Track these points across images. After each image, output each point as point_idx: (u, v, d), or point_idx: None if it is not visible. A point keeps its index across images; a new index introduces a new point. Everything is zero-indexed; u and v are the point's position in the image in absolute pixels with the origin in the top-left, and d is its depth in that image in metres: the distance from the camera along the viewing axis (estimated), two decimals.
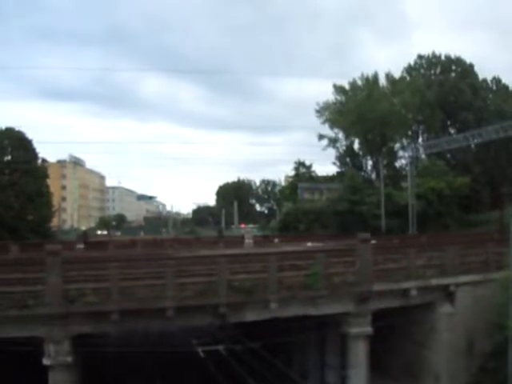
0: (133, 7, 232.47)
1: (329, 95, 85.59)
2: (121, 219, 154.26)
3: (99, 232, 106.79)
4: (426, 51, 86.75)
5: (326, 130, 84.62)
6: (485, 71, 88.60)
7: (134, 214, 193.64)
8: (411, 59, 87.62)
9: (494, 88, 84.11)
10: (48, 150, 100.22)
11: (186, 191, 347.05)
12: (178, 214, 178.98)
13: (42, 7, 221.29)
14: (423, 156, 77.31)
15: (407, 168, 70.85)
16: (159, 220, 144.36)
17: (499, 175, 73.57)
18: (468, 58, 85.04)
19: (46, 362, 18.65)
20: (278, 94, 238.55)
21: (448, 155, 78.83)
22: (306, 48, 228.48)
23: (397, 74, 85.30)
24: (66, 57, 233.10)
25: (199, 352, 19.03)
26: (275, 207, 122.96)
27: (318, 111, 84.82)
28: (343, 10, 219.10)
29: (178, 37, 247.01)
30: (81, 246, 44.08)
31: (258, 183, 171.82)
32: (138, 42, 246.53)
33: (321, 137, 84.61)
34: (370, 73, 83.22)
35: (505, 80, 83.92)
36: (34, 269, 20.42)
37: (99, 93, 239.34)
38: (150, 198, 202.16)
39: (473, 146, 70.15)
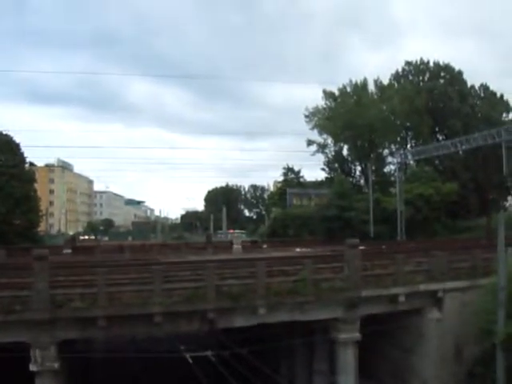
0: (121, 11, 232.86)
1: (318, 100, 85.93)
2: (109, 224, 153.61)
3: (83, 237, 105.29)
4: (415, 57, 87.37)
5: (315, 136, 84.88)
6: (473, 78, 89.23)
7: (122, 218, 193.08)
8: (400, 65, 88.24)
9: (482, 95, 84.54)
10: (35, 154, 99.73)
11: (174, 196, 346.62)
12: (166, 219, 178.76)
13: (28, 9, 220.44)
14: (411, 162, 77.64)
15: (396, 174, 71.12)
16: (147, 225, 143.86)
17: (487, 182, 73.90)
18: (457, 65, 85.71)
19: (32, 367, 18.49)
20: (267, 99, 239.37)
21: (436, 161, 79.14)
22: (295, 53, 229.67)
23: (387, 80, 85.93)
24: (52, 60, 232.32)
25: (187, 358, 18.87)
26: (264, 213, 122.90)
27: (307, 116, 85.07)
28: (333, 16, 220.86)
29: (166, 41, 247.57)
30: (68, 250, 43.81)
31: (246, 188, 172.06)
32: (126, 46, 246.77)
33: (310, 142, 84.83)
34: (359, 79, 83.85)
35: (492, 87, 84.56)
36: (20, 274, 20.29)
37: (86, 96, 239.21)
38: (138, 202, 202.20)
39: (461, 152, 70.39)
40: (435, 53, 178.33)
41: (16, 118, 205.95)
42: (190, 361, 18.53)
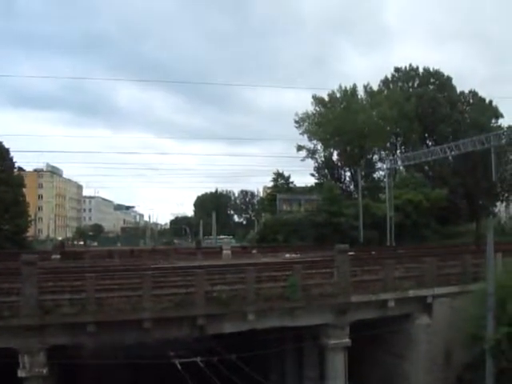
0: (109, 15, 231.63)
1: (308, 106, 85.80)
2: (98, 229, 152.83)
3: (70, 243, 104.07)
4: (405, 63, 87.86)
5: (305, 141, 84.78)
6: (462, 84, 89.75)
7: (111, 224, 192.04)
8: (390, 71, 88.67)
9: (471, 101, 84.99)
10: (23, 159, 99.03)
11: (164, 202, 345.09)
12: (155, 224, 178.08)
13: (15, 13, 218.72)
14: (401, 168, 77.88)
15: (385, 180, 71.25)
16: (137, 230, 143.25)
17: (476, 187, 74.22)
18: (446, 71, 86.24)
19: (20, 373, 18.37)
20: (257, 104, 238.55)
21: (426, 167, 79.46)
22: (286, 58, 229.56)
23: (376, 86, 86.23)
24: (39, 64, 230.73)
25: (176, 364, 18.79)
26: (253, 218, 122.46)
27: (297, 122, 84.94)
28: (324, 21, 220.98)
29: (154, 46, 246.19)
30: (57, 256, 43.49)
31: (236, 194, 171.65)
32: (114, 50, 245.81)
33: (299, 148, 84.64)
34: (349, 84, 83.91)
35: (481, 92, 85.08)
36: (8, 279, 20.14)
37: (74, 101, 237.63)
38: (128, 208, 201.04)
39: (450, 158, 70.71)
40: (425, 58, 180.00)
41: (2, 122, 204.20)
42: (179, 367, 18.45)
